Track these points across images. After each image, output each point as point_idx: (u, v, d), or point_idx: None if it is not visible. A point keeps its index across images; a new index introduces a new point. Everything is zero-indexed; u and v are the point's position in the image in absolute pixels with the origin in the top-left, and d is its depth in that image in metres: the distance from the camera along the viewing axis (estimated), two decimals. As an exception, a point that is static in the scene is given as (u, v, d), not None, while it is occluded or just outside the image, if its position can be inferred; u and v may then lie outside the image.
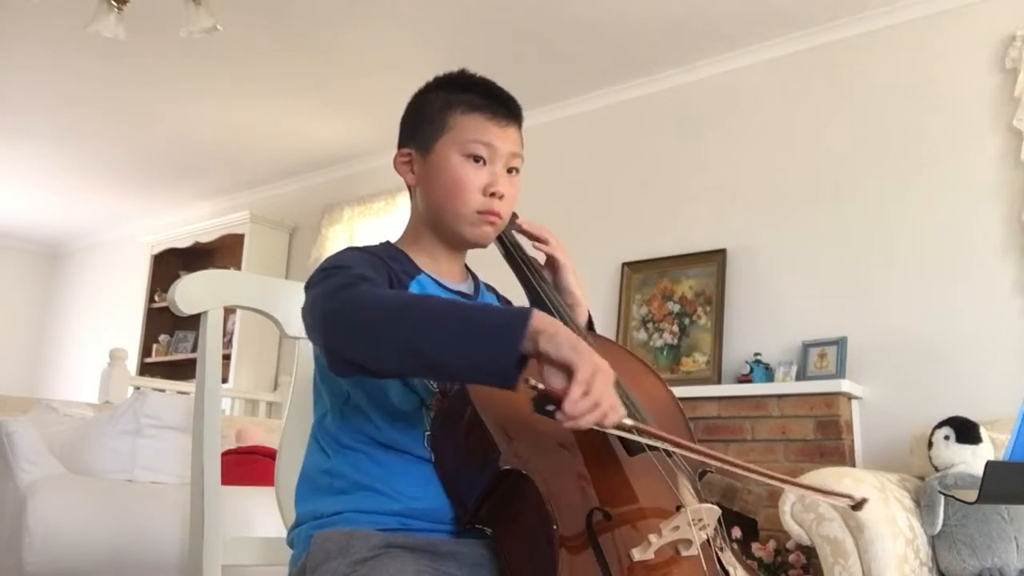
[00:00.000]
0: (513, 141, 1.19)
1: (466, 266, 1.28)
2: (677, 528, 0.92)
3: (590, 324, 1.30)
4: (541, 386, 0.88)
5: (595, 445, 1.04)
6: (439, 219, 1.19)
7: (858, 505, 0.98)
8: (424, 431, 1.07)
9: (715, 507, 0.96)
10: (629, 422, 0.93)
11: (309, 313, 1.04)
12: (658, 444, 1.01)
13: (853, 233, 3.51)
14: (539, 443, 1.00)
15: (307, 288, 1.08)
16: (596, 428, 0.91)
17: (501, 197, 1.16)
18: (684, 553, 0.93)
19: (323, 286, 1.03)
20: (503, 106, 1.19)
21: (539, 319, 0.92)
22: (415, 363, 0.96)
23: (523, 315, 0.92)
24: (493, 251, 1.28)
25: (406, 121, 1.24)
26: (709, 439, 3.43)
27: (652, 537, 0.91)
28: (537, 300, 1.22)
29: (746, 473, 0.96)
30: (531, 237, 1.28)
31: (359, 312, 0.98)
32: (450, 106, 1.17)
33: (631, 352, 1.31)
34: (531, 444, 1.00)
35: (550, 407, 0.89)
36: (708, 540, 0.96)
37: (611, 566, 0.91)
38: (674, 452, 1.06)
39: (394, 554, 0.98)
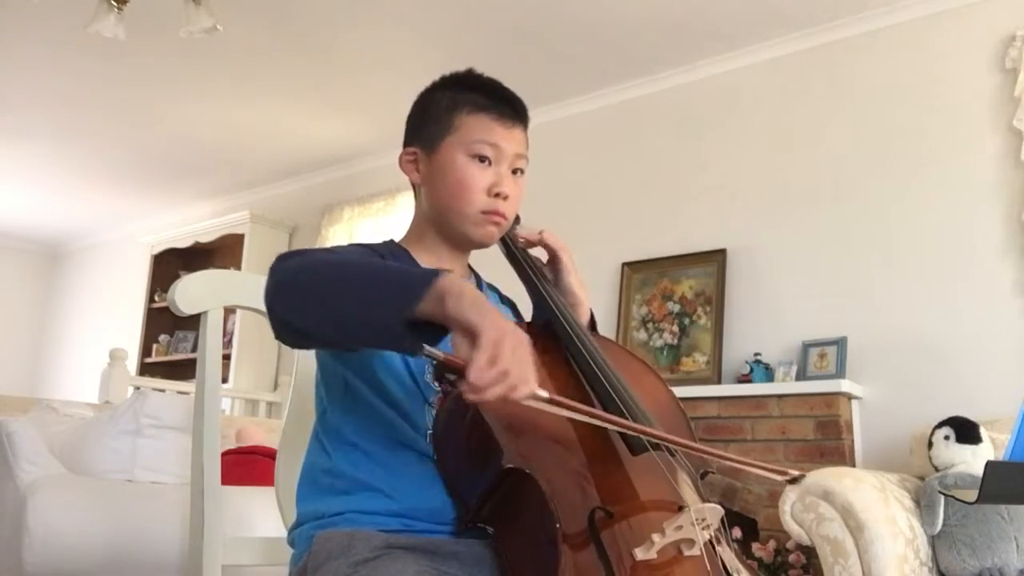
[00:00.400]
0: (518, 142, 1.19)
1: (469, 266, 1.28)
2: (680, 528, 0.92)
3: (592, 324, 1.30)
4: (440, 353, 0.82)
5: (598, 444, 1.04)
6: (443, 219, 1.19)
7: (794, 480, 0.98)
8: (426, 430, 1.07)
9: (718, 507, 0.96)
10: (544, 394, 0.85)
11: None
12: (586, 419, 0.96)
13: (853, 233, 3.51)
14: (542, 442, 1.00)
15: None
16: (506, 400, 0.84)
17: (506, 198, 1.16)
18: (687, 553, 0.93)
19: (281, 260, 1.05)
20: (509, 107, 1.19)
21: (448, 280, 0.87)
22: (331, 324, 0.95)
23: (430, 274, 0.88)
24: (495, 251, 1.28)
25: (412, 120, 1.24)
26: (709, 439, 3.43)
27: (655, 536, 0.91)
28: (540, 300, 1.22)
29: (712, 457, 0.96)
30: (538, 243, 1.28)
31: (291, 273, 1.00)
32: (456, 106, 1.17)
33: (632, 352, 1.31)
34: (534, 443, 0.99)
35: (451, 375, 0.82)
36: (711, 540, 0.96)
37: (613, 565, 0.91)
38: (676, 451, 1.06)
39: (395, 555, 0.98)
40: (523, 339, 0.85)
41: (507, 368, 0.82)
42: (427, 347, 0.82)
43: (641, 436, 1.01)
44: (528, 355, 0.85)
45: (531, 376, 0.85)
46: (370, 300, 0.90)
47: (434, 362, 0.82)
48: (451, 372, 0.82)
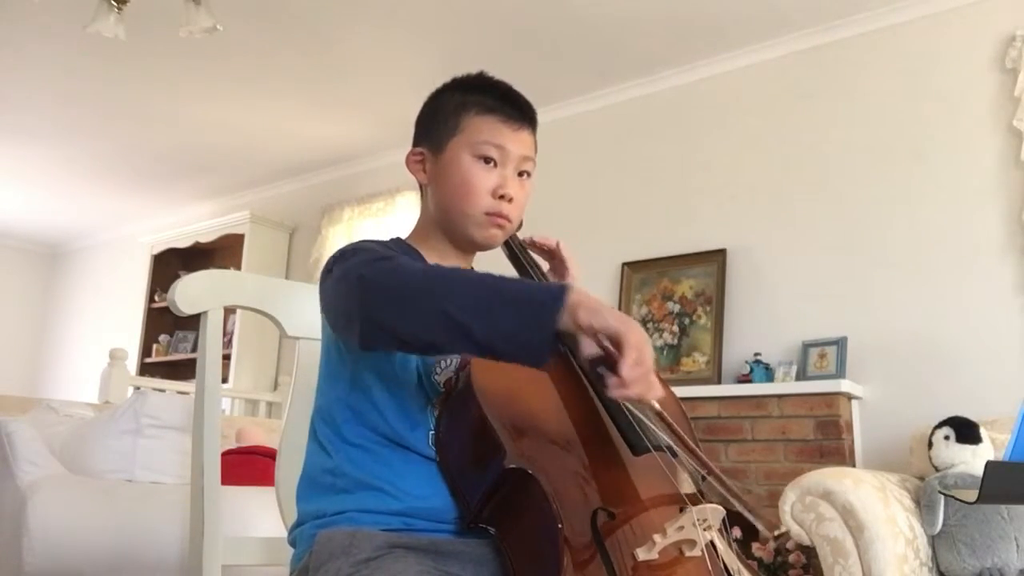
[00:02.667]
0: (525, 144, 1.19)
1: (473, 268, 1.28)
2: (682, 528, 0.92)
3: None
4: (604, 343, 0.87)
5: (600, 445, 1.04)
6: (448, 219, 1.19)
7: (779, 536, 1.00)
8: (429, 430, 1.07)
9: (720, 508, 0.96)
10: (658, 407, 0.94)
11: (340, 283, 1.02)
12: (665, 439, 1.01)
13: (853, 233, 3.51)
14: (544, 442, 1.00)
15: (329, 270, 1.07)
16: (629, 405, 0.92)
17: (510, 200, 1.16)
18: (688, 553, 0.93)
19: (355, 259, 1.03)
20: (517, 109, 1.19)
21: (578, 293, 0.91)
22: (451, 333, 0.94)
23: (561, 289, 0.91)
24: (500, 252, 1.28)
25: (421, 120, 1.24)
26: (709, 439, 3.43)
27: (657, 537, 0.91)
28: None
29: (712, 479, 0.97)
30: (540, 251, 1.28)
31: (398, 280, 0.98)
32: (464, 107, 1.18)
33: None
34: (536, 443, 0.99)
35: (602, 369, 0.89)
36: (712, 541, 0.96)
37: (615, 566, 0.91)
38: (678, 451, 1.06)
39: (397, 554, 0.98)
40: (650, 345, 0.91)
41: (648, 367, 0.89)
42: (583, 349, 0.88)
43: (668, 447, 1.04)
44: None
45: (659, 386, 0.91)
46: (504, 316, 0.91)
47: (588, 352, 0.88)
48: (605, 365, 0.89)
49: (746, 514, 0.96)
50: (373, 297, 0.98)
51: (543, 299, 0.91)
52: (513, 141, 1.17)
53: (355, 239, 4.46)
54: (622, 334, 0.88)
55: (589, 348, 0.90)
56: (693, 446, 1.00)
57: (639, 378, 0.88)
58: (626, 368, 0.87)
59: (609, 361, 0.89)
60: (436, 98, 1.23)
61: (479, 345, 0.94)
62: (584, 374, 1.09)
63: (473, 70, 1.23)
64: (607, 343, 0.89)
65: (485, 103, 1.17)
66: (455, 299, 0.93)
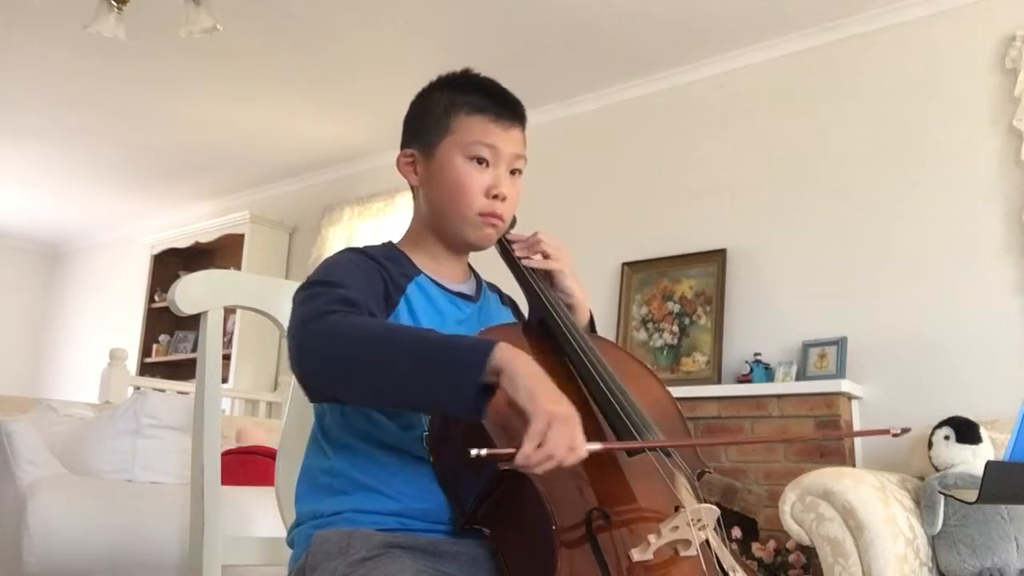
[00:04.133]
0: (516, 143, 1.18)
1: (469, 266, 1.28)
2: (676, 528, 0.92)
3: (591, 326, 1.29)
4: (484, 453, 0.88)
5: None
6: (441, 220, 1.19)
7: (900, 433, 0.98)
8: (423, 431, 1.07)
9: (714, 507, 0.96)
10: (595, 447, 0.92)
11: (288, 338, 1.04)
12: (671, 449, 1.03)
13: (853, 233, 3.51)
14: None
15: (294, 300, 1.08)
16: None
17: (503, 199, 1.16)
18: (683, 553, 0.93)
19: (300, 312, 1.04)
20: (507, 108, 1.18)
21: (501, 354, 0.91)
22: (380, 399, 1.00)
23: (484, 350, 0.92)
24: (494, 251, 1.28)
25: (409, 121, 1.23)
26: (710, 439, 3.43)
27: (651, 537, 0.91)
28: (535, 301, 1.21)
29: (732, 442, 0.97)
30: (536, 252, 1.27)
31: (327, 348, 0.99)
32: (453, 107, 1.17)
33: (629, 353, 1.31)
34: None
35: (503, 464, 0.90)
36: (707, 540, 0.96)
37: (610, 566, 0.91)
38: (673, 451, 1.06)
39: (394, 554, 0.98)
40: (569, 417, 0.89)
41: (552, 452, 0.88)
42: (472, 451, 0.88)
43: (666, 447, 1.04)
44: (575, 428, 0.90)
45: (579, 445, 0.89)
46: (424, 379, 0.94)
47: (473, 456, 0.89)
48: (500, 461, 0.90)
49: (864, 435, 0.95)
50: (305, 367, 1.01)
51: (467, 364, 0.91)
52: (504, 140, 1.16)
53: (355, 239, 4.43)
54: (527, 415, 0.88)
55: (511, 412, 0.92)
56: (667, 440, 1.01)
57: (538, 463, 0.88)
58: (520, 456, 0.87)
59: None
60: (424, 98, 1.22)
61: (412, 407, 1.01)
62: (583, 380, 1.09)
63: (474, 70, 1.22)
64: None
65: (475, 103, 1.17)
66: (383, 367, 0.95)
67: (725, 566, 0.96)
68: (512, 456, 0.88)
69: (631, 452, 1.03)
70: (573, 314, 1.24)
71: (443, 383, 0.92)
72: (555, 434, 0.88)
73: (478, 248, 1.21)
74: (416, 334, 1.01)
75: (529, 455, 0.87)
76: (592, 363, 1.09)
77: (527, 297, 1.24)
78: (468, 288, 1.25)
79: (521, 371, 0.90)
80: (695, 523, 0.93)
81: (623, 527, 0.95)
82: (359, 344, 0.97)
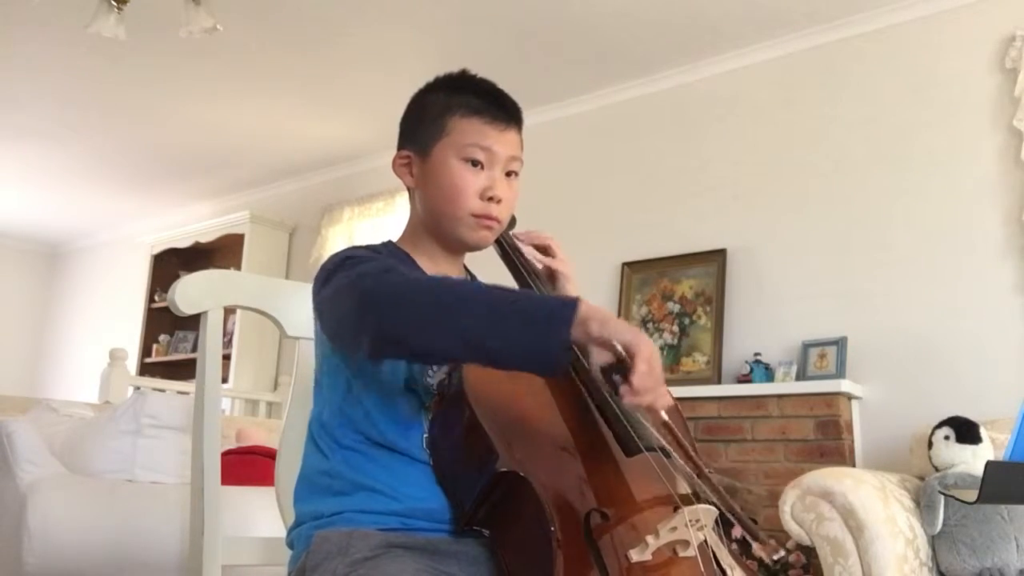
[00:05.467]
0: (512, 144, 1.18)
1: (465, 267, 1.28)
2: (675, 529, 0.92)
3: None
4: (618, 352, 0.90)
5: (593, 447, 1.04)
6: (437, 222, 1.19)
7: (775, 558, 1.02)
8: (422, 433, 1.07)
9: (713, 508, 0.96)
10: (665, 416, 0.96)
11: (345, 295, 1.02)
12: (659, 440, 1.02)
13: (853, 233, 3.51)
14: (537, 445, 1.00)
15: (327, 279, 1.07)
16: (642, 412, 0.96)
17: (499, 201, 1.16)
18: (682, 554, 0.94)
19: (360, 269, 1.02)
20: (502, 109, 1.18)
21: (587, 307, 0.92)
22: (464, 347, 0.95)
23: (572, 303, 0.92)
24: (492, 251, 1.28)
25: (405, 123, 1.23)
26: (709, 439, 3.43)
27: (650, 538, 0.91)
28: None
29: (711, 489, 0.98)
30: (542, 249, 1.28)
31: (408, 294, 0.98)
32: (449, 109, 1.17)
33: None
34: (529, 446, 0.99)
35: (617, 376, 0.92)
36: (706, 541, 0.96)
37: (609, 567, 0.91)
38: (672, 452, 1.06)
39: (394, 554, 0.98)
40: (659, 355, 0.94)
41: (659, 378, 0.92)
42: (595, 358, 0.92)
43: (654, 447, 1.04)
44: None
45: (668, 394, 0.95)
46: (513, 331, 0.93)
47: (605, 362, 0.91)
48: (619, 372, 0.92)
49: (740, 524, 0.97)
50: (383, 311, 0.98)
51: (555, 312, 0.92)
52: (499, 142, 1.16)
53: (355, 239, 4.42)
54: (634, 345, 0.91)
55: (601, 357, 0.93)
56: (690, 450, 1.01)
57: (651, 387, 0.91)
58: (638, 378, 0.90)
59: (621, 370, 0.92)
60: (420, 99, 1.22)
61: (493, 358, 0.95)
62: (582, 381, 1.09)
63: (474, 70, 1.22)
64: (621, 352, 0.91)
65: (470, 104, 1.16)
66: (468, 314, 0.94)
67: (723, 566, 0.96)
68: (628, 374, 0.90)
69: (630, 452, 1.03)
70: None
71: (531, 333, 0.92)
72: (659, 365, 0.92)
73: (474, 249, 1.21)
74: (495, 286, 1.00)
75: (644, 374, 0.90)
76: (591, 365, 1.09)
77: None
78: None
79: (612, 316, 0.93)
80: (693, 524, 0.93)
81: (622, 528, 0.95)
82: (435, 291, 0.97)
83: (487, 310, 0.94)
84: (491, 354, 0.94)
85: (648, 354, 0.91)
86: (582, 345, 0.93)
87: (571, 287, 1.26)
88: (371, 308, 0.98)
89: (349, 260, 1.07)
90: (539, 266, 1.27)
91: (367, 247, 1.17)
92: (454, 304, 0.95)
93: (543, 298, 0.98)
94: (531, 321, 0.92)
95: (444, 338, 0.95)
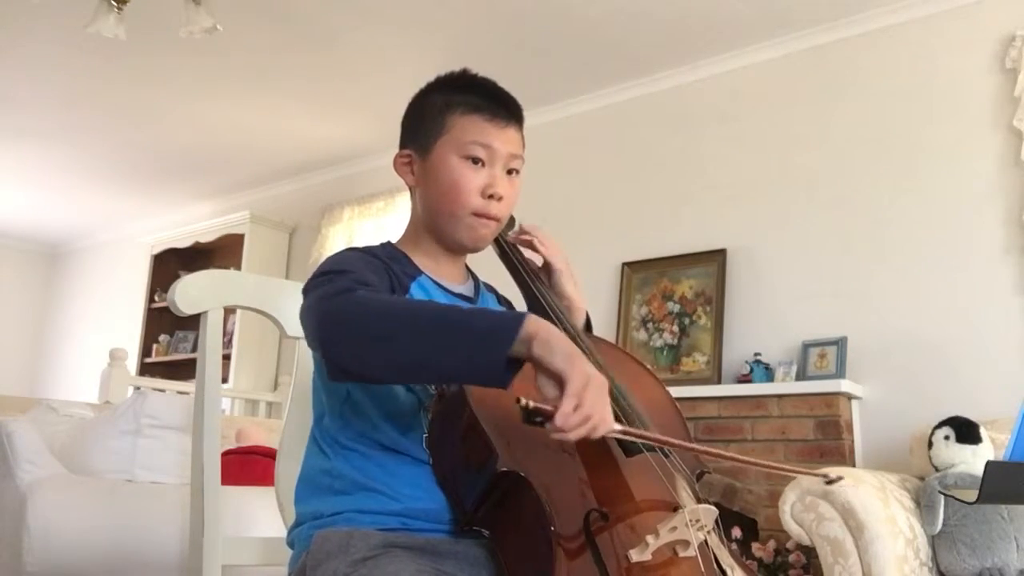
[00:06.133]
0: (513, 142, 1.18)
1: (467, 266, 1.28)
2: (675, 529, 0.92)
3: (588, 326, 1.29)
4: (531, 404, 0.88)
5: (593, 447, 1.04)
6: (437, 221, 1.18)
7: (832, 481, 1.00)
8: (422, 433, 1.07)
9: (712, 508, 0.96)
10: (619, 427, 0.93)
11: (306, 317, 1.03)
12: (650, 443, 1.02)
13: (853, 233, 3.51)
14: (536, 445, 1.00)
15: (305, 291, 1.07)
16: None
17: (499, 199, 1.16)
18: (682, 554, 0.93)
19: (321, 290, 1.02)
20: (502, 107, 1.18)
21: (533, 323, 0.91)
22: (409, 368, 0.96)
23: (517, 318, 0.92)
24: (491, 250, 1.28)
25: (406, 122, 1.23)
26: (709, 439, 3.43)
27: (650, 538, 0.91)
28: (534, 302, 1.21)
29: (732, 460, 0.97)
30: (527, 244, 1.28)
31: (354, 318, 0.97)
32: (449, 107, 1.17)
33: (627, 353, 1.31)
34: (528, 446, 0.99)
35: (538, 419, 0.89)
36: (706, 541, 0.96)
37: (609, 567, 0.91)
38: (671, 452, 1.06)
39: (394, 554, 0.98)
40: (603, 383, 0.91)
41: (590, 413, 0.88)
42: (521, 399, 0.88)
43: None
44: (607, 397, 0.91)
45: (609, 416, 0.90)
46: (457, 346, 0.92)
47: (521, 405, 0.88)
48: (539, 416, 0.89)
49: (799, 474, 0.98)
50: (330, 339, 0.98)
51: (498, 328, 0.91)
52: (500, 139, 1.16)
53: (355, 239, 4.42)
54: (564, 376, 0.89)
55: (541, 381, 0.92)
56: (678, 440, 1.01)
57: (575, 425, 0.87)
58: (560, 416, 0.87)
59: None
60: (421, 99, 1.22)
61: (440, 377, 0.98)
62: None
63: (474, 70, 1.22)
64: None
65: (470, 102, 1.16)
66: (411, 336, 0.94)
67: (723, 566, 0.96)
68: (552, 414, 0.87)
69: (630, 452, 1.03)
70: (570, 315, 1.24)
71: (475, 350, 0.91)
72: (592, 396, 0.88)
73: (474, 248, 1.21)
74: (442, 306, 1.00)
75: (568, 414, 0.87)
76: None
77: (525, 298, 1.24)
78: (467, 289, 1.25)
79: (555, 336, 0.91)
80: (693, 524, 0.93)
81: (622, 528, 0.95)
82: (385, 315, 0.97)
83: (431, 329, 0.94)
84: (438, 374, 0.97)
85: (577, 388, 0.88)
86: (523, 359, 0.91)
87: (566, 279, 1.26)
88: (323, 337, 0.99)
89: (321, 277, 1.07)
90: (538, 262, 1.27)
91: (362, 250, 1.17)
92: (400, 330, 0.95)
93: (492, 315, 0.96)
94: (474, 339, 0.92)
95: (390, 363, 0.96)
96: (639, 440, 0.99)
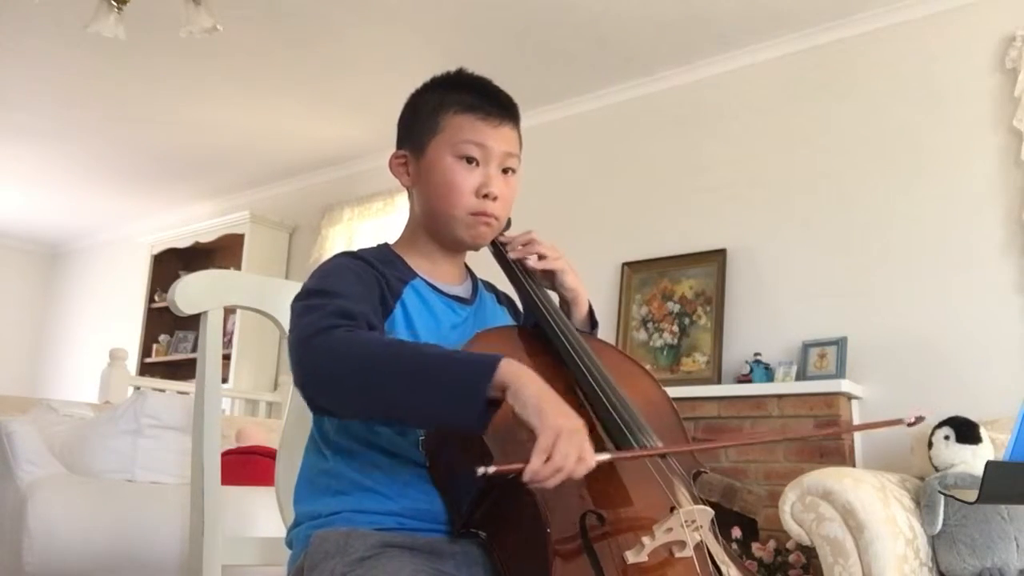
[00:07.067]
0: (508, 141, 1.17)
1: (466, 266, 1.28)
2: (671, 530, 0.91)
3: (592, 318, 1.28)
4: (491, 470, 0.87)
5: None
6: (434, 221, 1.18)
7: (915, 422, 0.97)
8: (419, 436, 1.07)
9: (708, 508, 0.96)
10: (605, 457, 0.93)
11: (290, 349, 1.04)
12: (655, 440, 1.02)
13: (853, 233, 3.51)
14: (531, 446, 1.00)
15: (292, 307, 1.07)
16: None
17: (495, 198, 1.15)
18: (678, 555, 0.93)
19: (304, 321, 1.02)
20: (496, 105, 1.17)
21: (506, 370, 0.92)
22: (385, 415, 0.99)
23: (489, 366, 0.92)
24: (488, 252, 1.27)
25: (402, 122, 1.23)
26: (709, 439, 3.43)
27: (645, 539, 0.91)
28: (529, 303, 1.21)
29: (731, 444, 0.97)
30: (524, 251, 1.26)
31: (328, 366, 0.98)
32: (443, 107, 1.16)
33: (624, 353, 1.30)
34: (523, 448, 0.99)
35: (508, 477, 0.89)
36: (702, 541, 0.95)
37: (605, 569, 0.90)
38: (667, 454, 1.05)
39: (392, 554, 0.98)
40: (576, 429, 0.89)
41: (560, 466, 0.88)
42: (479, 469, 0.87)
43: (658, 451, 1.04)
44: (584, 440, 0.90)
45: (587, 457, 0.89)
46: (428, 397, 0.94)
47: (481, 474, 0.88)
48: (506, 476, 0.89)
49: (878, 427, 0.96)
50: (307, 382, 1.00)
51: (472, 380, 0.92)
52: (494, 138, 1.15)
53: (355, 239, 4.39)
54: (535, 431, 0.89)
55: (518, 424, 0.92)
56: (681, 449, 1.01)
57: (546, 477, 0.87)
58: (528, 472, 0.87)
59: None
60: (416, 99, 1.22)
61: (417, 423, 1.01)
62: (577, 380, 1.09)
63: (474, 70, 1.21)
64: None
65: (464, 101, 1.16)
66: (386, 386, 0.95)
67: (720, 566, 0.96)
68: (520, 471, 0.88)
69: (620, 446, 1.03)
70: (574, 308, 1.24)
71: (447, 400, 0.92)
72: (563, 448, 0.87)
73: (472, 248, 1.21)
74: (418, 350, 1.00)
75: (538, 470, 0.87)
76: (587, 366, 1.09)
77: (521, 299, 1.24)
78: (464, 290, 1.24)
79: (526, 386, 0.91)
80: (689, 524, 0.92)
81: (618, 529, 0.95)
82: (359, 363, 0.97)
83: (405, 379, 0.94)
84: (414, 422, 1.00)
85: (546, 444, 0.87)
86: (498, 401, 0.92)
87: (569, 279, 1.25)
88: (299, 374, 1.01)
89: (308, 296, 1.07)
90: (534, 264, 1.26)
91: (354, 257, 1.16)
92: (373, 376, 0.96)
93: (463, 363, 0.95)
94: (447, 389, 0.93)
95: (365, 409, 0.99)
96: (631, 459, 1.00)
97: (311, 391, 0.99)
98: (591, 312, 1.28)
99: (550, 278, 1.25)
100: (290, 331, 1.05)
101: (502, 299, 1.32)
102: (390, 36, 3.98)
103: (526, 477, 0.87)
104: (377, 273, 1.13)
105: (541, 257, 1.24)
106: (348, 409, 1.00)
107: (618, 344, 3.92)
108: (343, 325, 1.00)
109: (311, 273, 1.13)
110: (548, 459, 0.87)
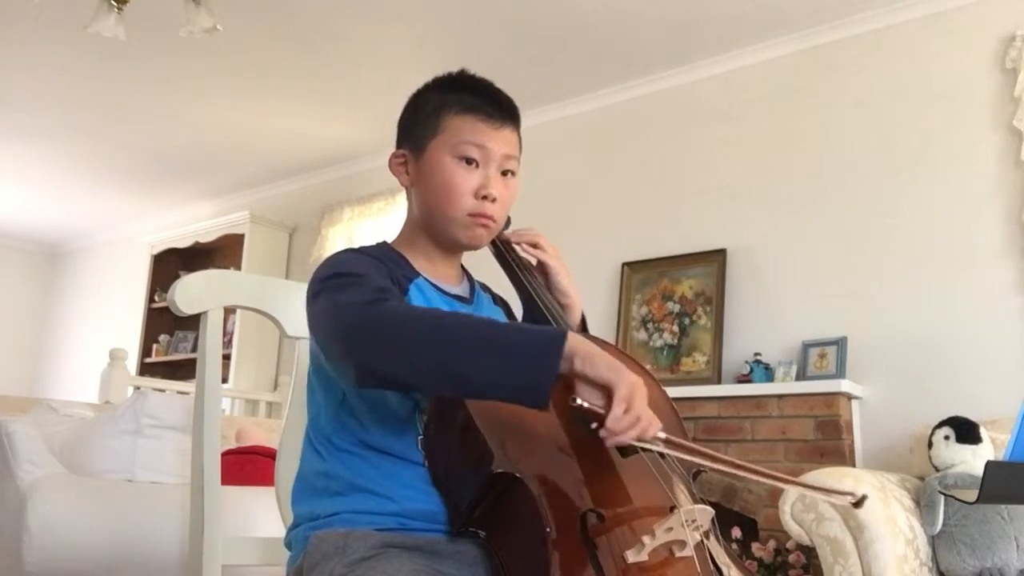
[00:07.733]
0: (508, 142, 1.17)
1: (462, 266, 1.28)
2: (671, 529, 0.91)
3: (584, 325, 1.29)
4: (586, 404, 0.91)
5: (588, 447, 1.03)
6: (432, 221, 1.18)
7: (859, 502, 0.99)
8: (417, 435, 1.07)
9: (708, 507, 0.96)
10: (663, 435, 0.96)
11: (330, 321, 1.01)
12: (694, 459, 1.02)
13: (853, 233, 3.51)
14: (532, 446, 1.00)
15: (315, 293, 1.06)
16: (634, 444, 0.95)
17: (493, 200, 1.15)
18: (678, 554, 0.93)
19: (343, 295, 1.01)
20: (497, 107, 1.17)
21: (574, 341, 0.93)
22: (450, 382, 0.95)
23: (559, 337, 0.93)
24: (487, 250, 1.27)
25: (402, 122, 1.23)
26: (709, 439, 3.43)
27: (646, 538, 0.91)
28: (529, 301, 1.21)
29: (752, 476, 0.96)
30: (531, 244, 1.27)
31: (392, 329, 0.97)
32: (444, 107, 1.16)
33: (624, 352, 1.30)
34: (524, 447, 0.99)
35: (594, 424, 0.93)
36: (702, 541, 0.95)
37: (605, 568, 0.90)
38: (668, 454, 1.05)
39: (391, 554, 0.98)
40: (645, 390, 0.95)
41: (639, 415, 0.93)
42: (576, 399, 0.92)
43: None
44: (647, 401, 0.95)
45: (656, 419, 0.95)
46: (501, 364, 0.93)
47: (574, 403, 0.92)
48: (592, 419, 0.93)
49: (768, 481, 0.98)
50: (367, 347, 0.97)
51: (541, 347, 0.92)
52: (494, 140, 1.15)
53: (355, 239, 4.40)
54: (612, 385, 0.92)
55: (584, 393, 0.94)
56: (734, 461, 1.00)
57: (625, 428, 0.92)
58: (611, 420, 0.91)
59: (605, 406, 0.93)
60: (417, 99, 1.22)
61: (480, 393, 0.96)
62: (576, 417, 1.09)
63: (474, 70, 1.21)
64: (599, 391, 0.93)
65: (465, 102, 1.16)
66: (453, 350, 0.94)
67: (720, 566, 0.96)
68: (603, 417, 0.91)
69: (626, 453, 1.03)
70: (567, 314, 1.24)
71: (518, 368, 0.92)
72: (640, 400, 0.92)
73: (470, 248, 1.21)
74: (481, 319, 1.00)
75: (619, 418, 0.91)
76: None
77: (521, 298, 1.24)
78: (463, 290, 1.24)
79: (596, 351, 0.94)
80: (689, 524, 0.92)
81: (618, 528, 0.95)
82: (424, 327, 0.96)
83: (472, 346, 0.94)
84: (477, 389, 0.95)
85: (625, 394, 0.92)
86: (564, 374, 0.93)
87: (563, 278, 1.26)
88: (355, 343, 0.98)
89: (334, 278, 1.06)
90: (532, 262, 1.27)
91: (361, 252, 1.16)
92: (439, 340, 0.94)
93: (532, 332, 0.95)
94: (517, 357, 0.92)
95: (428, 375, 0.96)
96: (681, 453, 1.00)
97: (369, 357, 0.97)
98: (583, 322, 1.29)
99: (543, 275, 1.25)
100: (324, 309, 1.03)
101: (497, 300, 1.33)
102: (390, 36, 3.98)
103: (609, 423, 0.91)
104: (386, 268, 1.13)
105: (536, 246, 1.25)
106: (410, 376, 0.96)
107: (618, 344, 3.92)
108: (391, 298, 1.01)
109: (321, 264, 1.11)
110: (627, 409, 0.91)
